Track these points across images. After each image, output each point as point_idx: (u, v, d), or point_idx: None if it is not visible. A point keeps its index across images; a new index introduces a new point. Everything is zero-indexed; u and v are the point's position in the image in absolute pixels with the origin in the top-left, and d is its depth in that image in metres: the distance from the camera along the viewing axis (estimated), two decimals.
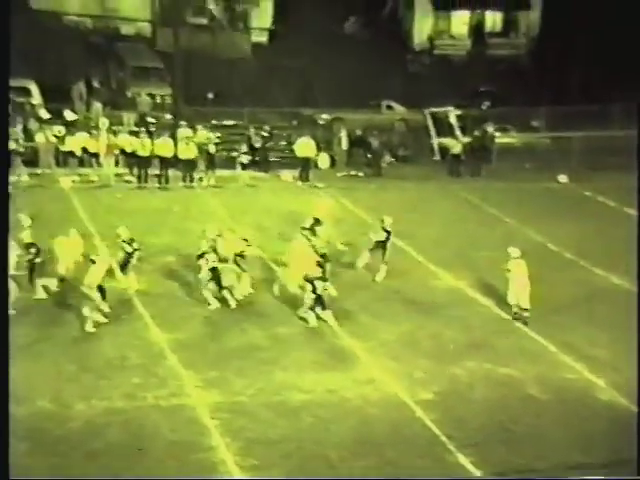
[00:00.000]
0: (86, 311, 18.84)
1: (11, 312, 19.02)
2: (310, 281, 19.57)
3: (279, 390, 16.87)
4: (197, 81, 34.29)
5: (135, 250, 20.47)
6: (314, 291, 19.53)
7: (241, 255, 20.88)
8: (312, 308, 19.63)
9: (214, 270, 20.04)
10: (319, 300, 19.60)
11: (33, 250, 20.22)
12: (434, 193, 30.86)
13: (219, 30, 44.02)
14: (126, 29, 44.33)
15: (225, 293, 20.21)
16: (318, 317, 19.62)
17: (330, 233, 22.86)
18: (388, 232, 22.11)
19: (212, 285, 20.12)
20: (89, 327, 18.75)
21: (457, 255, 24.26)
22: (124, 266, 20.62)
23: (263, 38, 45.70)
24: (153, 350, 18.18)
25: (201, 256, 20.20)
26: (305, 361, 18.04)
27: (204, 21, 44.32)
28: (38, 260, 20.27)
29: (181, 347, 18.32)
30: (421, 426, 15.92)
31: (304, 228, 21.98)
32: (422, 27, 49.17)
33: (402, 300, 21.24)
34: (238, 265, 20.80)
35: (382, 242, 22.12)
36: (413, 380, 17.48)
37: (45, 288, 20.14)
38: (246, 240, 21.13)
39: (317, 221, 22.50)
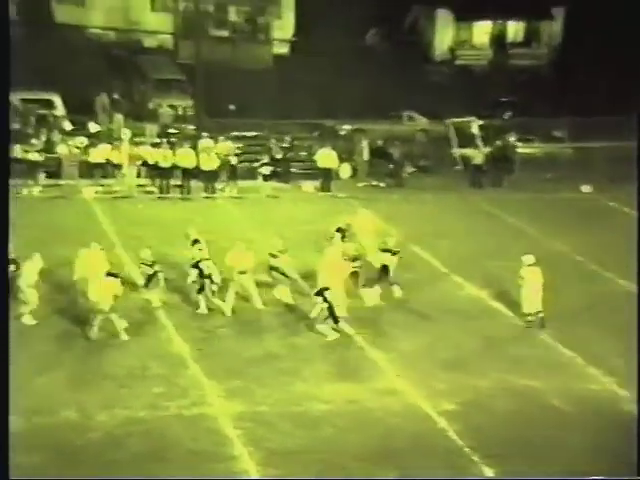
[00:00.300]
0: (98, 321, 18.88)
1: (32, 322, 19.22)
2: (319, 293, 19.39)
3: (300, 400, 16.81)
4: (218, 93, 34.35)
5: (156, 272, 20.45)
6: (325, 300, 19.32)
7: (274, 267, 20.90)
8: (325, 319, 19.39)
9: (204, 276, 20.08)
10: (330, 311, 19.35)
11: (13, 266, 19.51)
12: (455, 204, 30.72)
13: (240, 42, 44.19)
14: (148, 42, 44.60)
15: (218, 302, 20.22)
16: (334, 328, 19.45)
17: (367, 242, 22.92)
18: (393, 253, 21.55)
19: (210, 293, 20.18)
20: (93, 334, 18.75)
21: (479, 265, 24.11)
22: (147, 283, 20.62)
23: (284, 49, 45.82)
24: (174, 360, 18.20)
25: (196, 265, 20.24)
26: (325, 371, 17.98)
27: (225, 33, 44.51)
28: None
29: (202, 357, 18.33)
30: (443, 437, 15.82)
31: (332, 238, 21.91)
32: (443, 37, 49.14)
33: (424, 310, 21.12)
34: (285, 275, 20.88)
35: (384, 266, 21.48)
36: (435, 391, 17.37)
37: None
38: (274, 255, 21.03)
39: (339, 230, 22.42)
